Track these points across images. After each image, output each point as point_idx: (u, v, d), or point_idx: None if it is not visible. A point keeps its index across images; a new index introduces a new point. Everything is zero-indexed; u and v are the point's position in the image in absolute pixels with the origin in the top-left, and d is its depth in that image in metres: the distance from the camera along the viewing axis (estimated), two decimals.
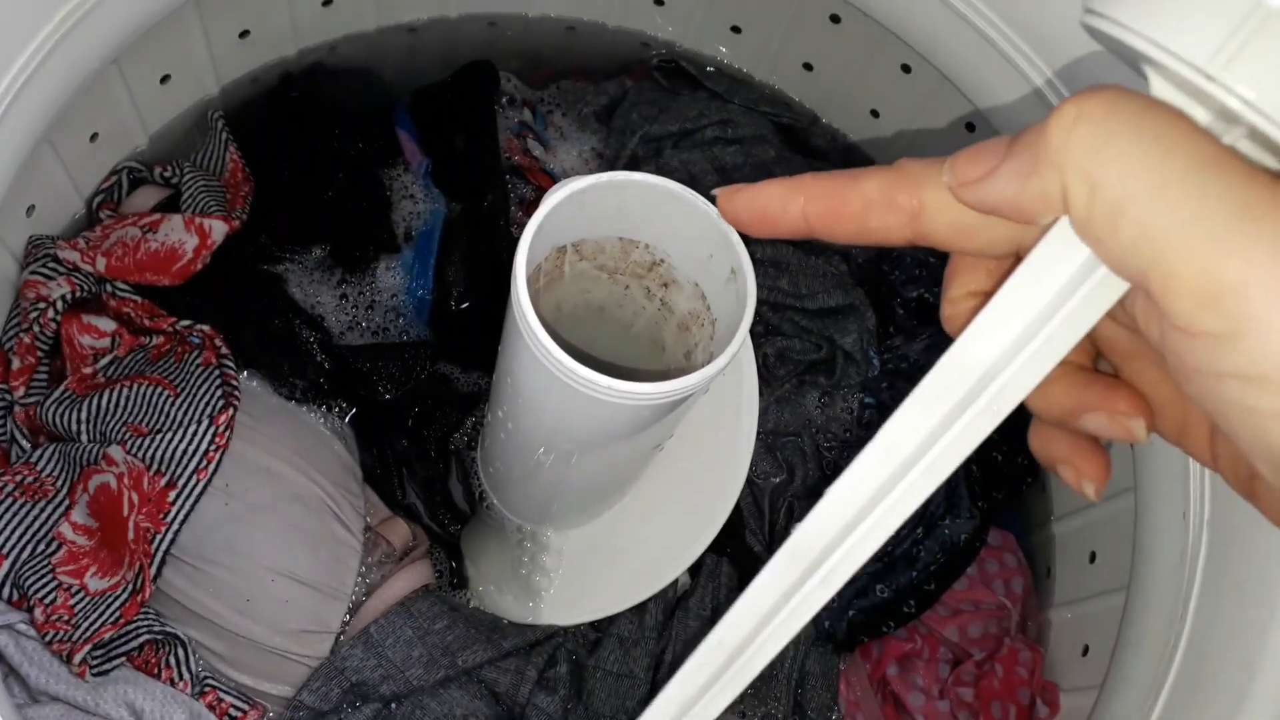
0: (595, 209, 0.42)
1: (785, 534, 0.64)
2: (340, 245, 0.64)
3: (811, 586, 0.28)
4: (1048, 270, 0.25)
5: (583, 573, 0.60)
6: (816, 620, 0.62)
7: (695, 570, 0.62)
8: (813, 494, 0.66)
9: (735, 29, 0.73)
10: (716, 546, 0.59)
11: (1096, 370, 0.29)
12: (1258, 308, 0.21)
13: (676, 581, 0.61)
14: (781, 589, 0.29)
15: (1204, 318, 0.21)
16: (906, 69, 0.67)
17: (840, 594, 0.62)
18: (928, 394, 0.26)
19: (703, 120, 0.70)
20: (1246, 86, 0.21)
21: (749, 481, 0.64)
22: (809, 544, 0.28)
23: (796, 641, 0.61)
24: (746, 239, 0.41)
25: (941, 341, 0.71)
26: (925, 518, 0.65)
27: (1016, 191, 0.24)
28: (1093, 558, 0.62)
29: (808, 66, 0.73)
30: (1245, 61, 0.21)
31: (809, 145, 0.74)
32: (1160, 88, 0.23)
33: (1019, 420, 0.70)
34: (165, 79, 0.63)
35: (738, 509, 0.62)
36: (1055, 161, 0.23)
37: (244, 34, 0.65)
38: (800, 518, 0.65)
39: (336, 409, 0.62)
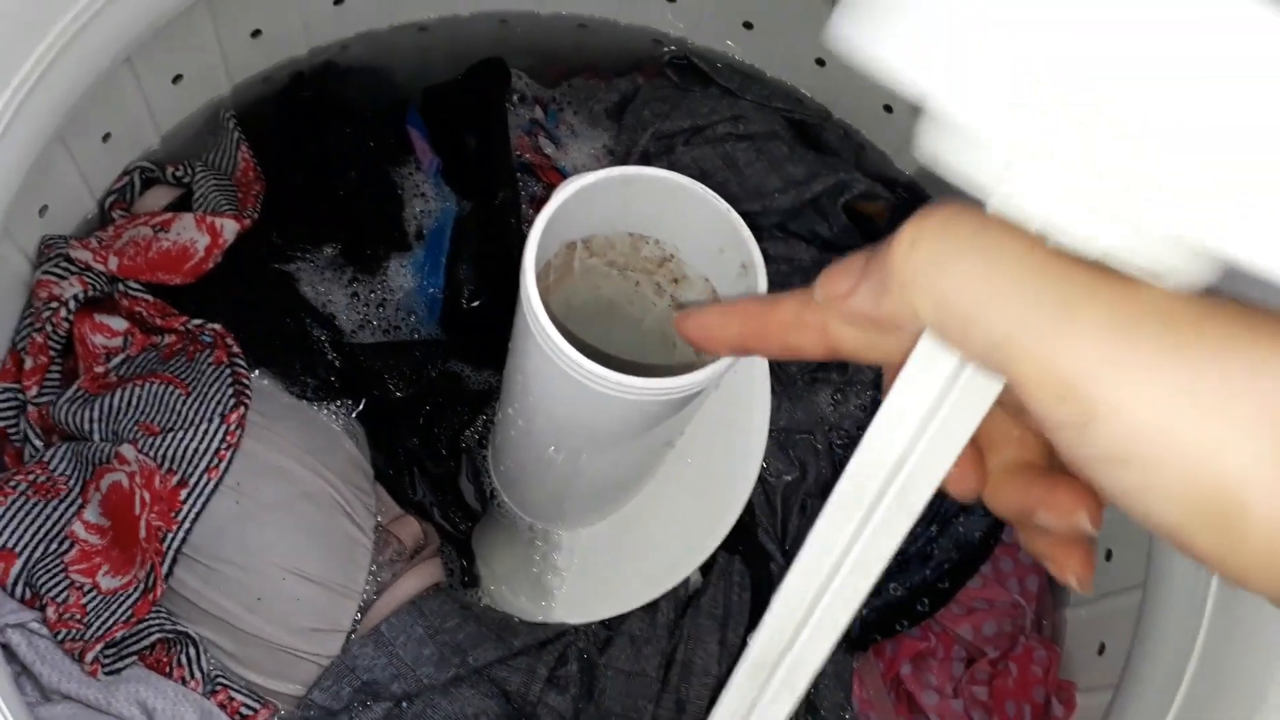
0: (604, 204, 0.42)
1: (799, 532, 0.64)
2: (351, 244, 0.64)
3: (771, 693, 0.30)
4: (927, 369, 0.26)
5: (594, 571, 0.60)
6: None
7: (707, 569, 0.61)
8: (825, 492, 0.66)
9: (747, 24, 0.72)
10: (728, 545, 0.58)
11: (1049, 466, 0.29)
12: (1099, 393, 0.22)
13: (688, 580, 0.60)
14: (744, 701, 0.30)
15: (1059, 411, 0.23)
16: None
17: None
18: (844, 496, 0.28)
19: (714, 117, 0.70)
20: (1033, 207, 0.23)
21: (761, 479, 0.64)
22: (764, 658, 0.30)
23: None
24: (759, 236, 0.41)
25: None
26: (939, 515, 0.64)
27: (874, 309, 0.26)
28: (1109, 555, 0.61)
29: (820, 62, 0.72)
30: (1026, 183, 0.23)
31: (821, 141, 0.74)
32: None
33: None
34: (177, 79, 0.63)
35: (750, 507, 0.62)
36: (901, 282, 0.25)
37: (256, 33, 0.65)
38: (813, 516, 0.65)
39: (347, 407, 0.62)
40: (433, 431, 0.63)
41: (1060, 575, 0.29)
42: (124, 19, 0.48)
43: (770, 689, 0.30)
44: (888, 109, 0.72)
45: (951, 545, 0.63)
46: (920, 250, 0.24)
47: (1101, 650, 0.59)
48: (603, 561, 0.61)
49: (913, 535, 0.64)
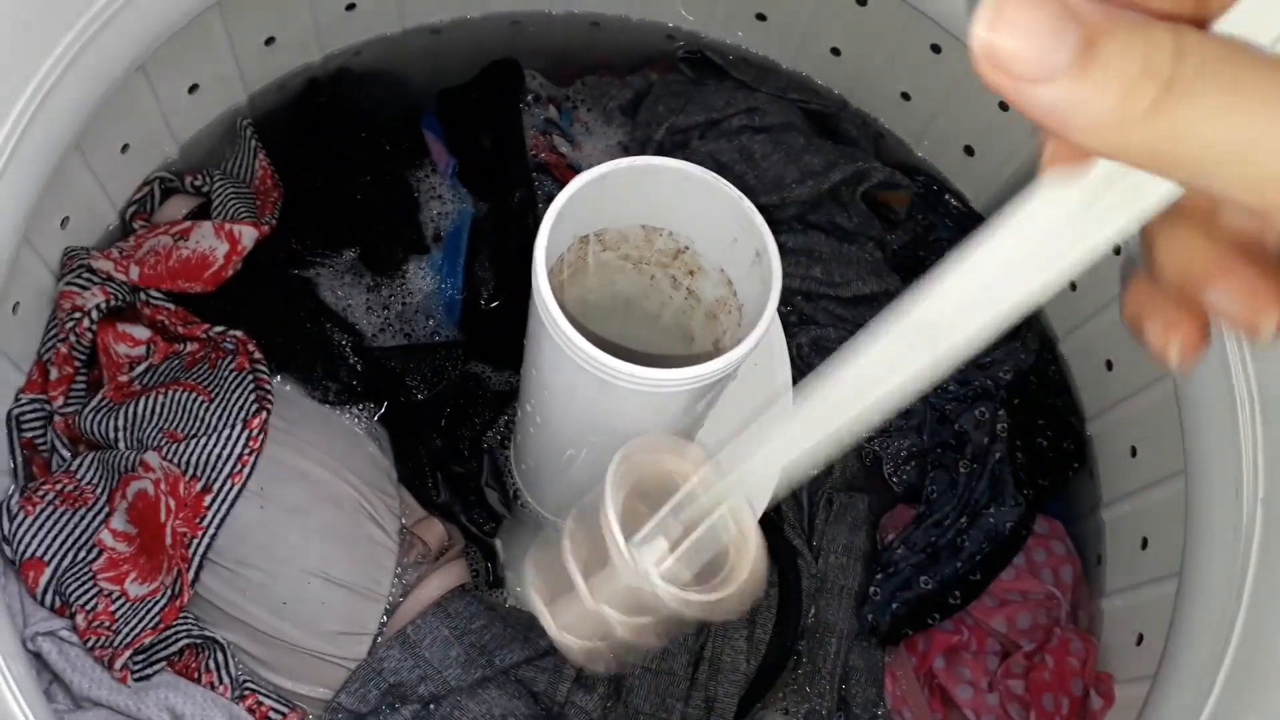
0: (616, 196, 0.41)
1: (824, 527, 0.63)
2: (370, 248, 0.64)
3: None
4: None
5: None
6: (859, 613, 0.61)
7: None
8: (851, 487, 0.65)
9: (760, 16, 0.72)
10: None
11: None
12: None
13: None
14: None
15: None
16: (936, 49, 0.66)
17: (883, 586, 0.62)
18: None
19: (729, 110, 0.69)
20: None
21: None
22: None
23: (839, 636, 0.60)
24: (777, 229, 0.41)
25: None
26: (969, 506, 0.63)
27: None
28: (1144, 543, 0.60)
29: (835, 51, 0.71)
30: None
31: (839, 131, 0.73)
32: None
33: (1061, 407, 0.68)
34: (193, 88, 0.64)
35: (776, 503, 0.61)
36: None
37: (269, 41, 0.65)
38: (840, 511, 0.64)
39: (369, 410, 0.62)
40: (455, 433, 0.63)
41: (1161, 341, 0.25)
42: (135, 27, 0.49)
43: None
44: (905, 96, 0.71)
45: (982, 537, 0.62)
46: None
47: (1140, 641, 0.58)
48: None
49: (942, 527, 0.63)
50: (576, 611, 0.35)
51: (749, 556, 0.34)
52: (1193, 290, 0.24)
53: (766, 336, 0.40)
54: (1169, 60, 0.18)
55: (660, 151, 0.68)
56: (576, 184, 0.39)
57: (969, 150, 0.70)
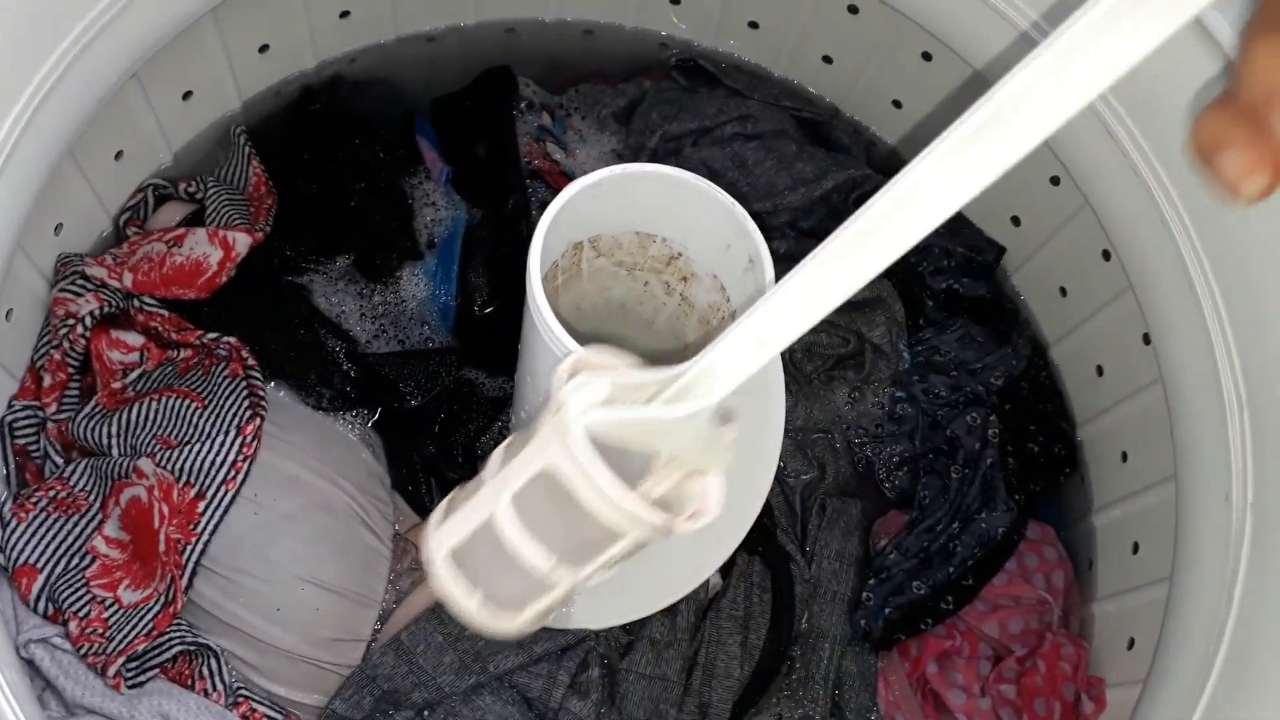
0: (610, 202, 0.42)
1: (817, 532, 0.63)
2: (364, 254, 0.64)
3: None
4: None
5: (613, 575, 0.60)
6: (852, 619, 0.61)
7: (727, 570, 0.61)
8: (844, 491, 0.65)
9: (753, 24, 0.72)
10: (748, 545, 0.58)
11: None
12: None
13: (708, 582, 0.60)
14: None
15: None
16: (927, 57, 0.66)
17: (875, 591, 0.62)
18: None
19: (721, 117, 0.70)
20: None
21: (779, 480, 0.63)
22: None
23: (833, 641, 0.60)
24: (770, 235, 0.41)
25: (973, 333, 0.69)
26: (960, 511, 0.63)
27: None
28: (1135, 548, 0.60)
29: (827, 59, 0.72)
30: None
31: (831, 138, 0.73)
32: None
33: (1052, 412, 0.68)
34: (187, 95, 0.64)
35: (768, 507, 0.61)
36: None
37: (263, 48, 0.65)
38: (833, 516, 0.64)
39: (363, 416, 0.62)
40: (449, 439, 0.63)
41: (1235, 171, 0.25)
42: (129, 34, 0.49)
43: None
44: (896, 104, 0.71)
45: (974, 542, 0.63)
46: None
47: (1131, 645, 0.58)
48: (622, 565, 0.60)
49: (934, 532, 0.63)
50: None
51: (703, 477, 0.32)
52: (1207, 160, 0.25)
53: None
54: None
55: (653, 159, 0.68)
56: (570, 191, 0.39)
57: None
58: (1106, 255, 0.61)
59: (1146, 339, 0.58)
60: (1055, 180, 0.63)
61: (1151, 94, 0.51)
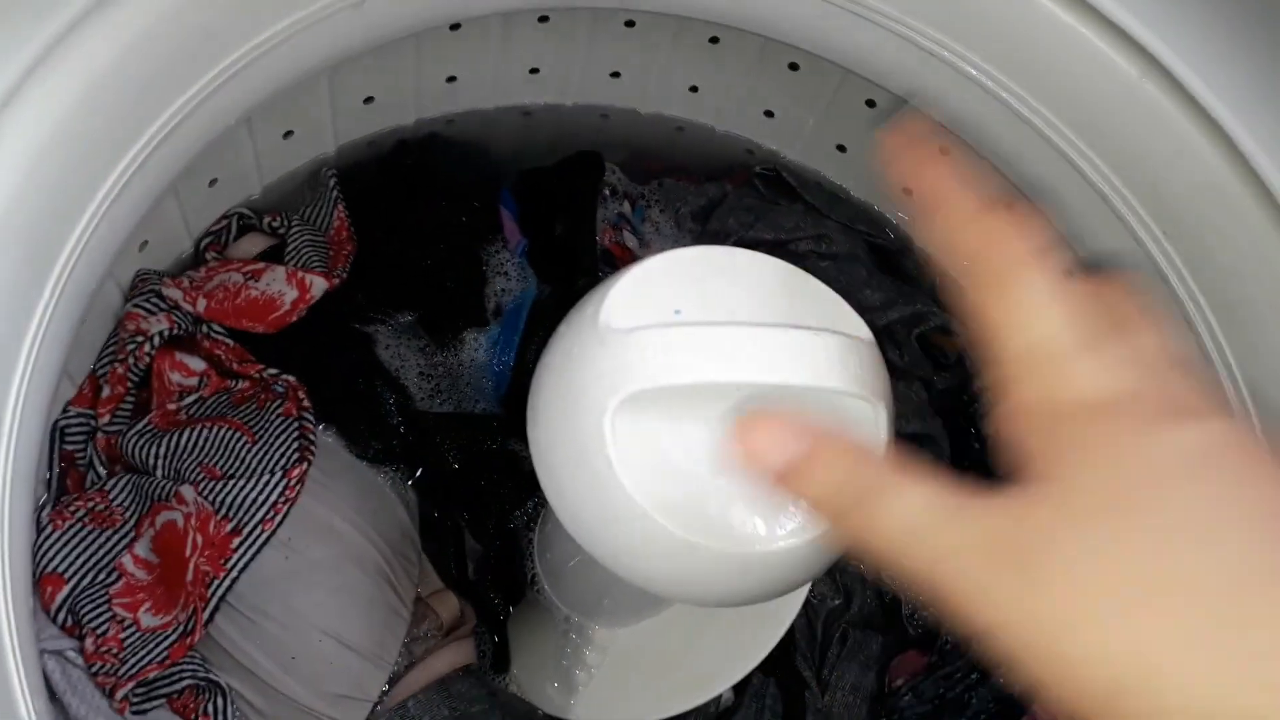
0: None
1: (837, 660, 0.62)
2: (431, 314, 0.65)
3: None
4: None
5: (625, 673, 0.59)
6: None
7: (740, 688, 0.60)
8: (868, 623, 0.65)
9: (840, 148, 0.74)
10: (765, 666, 0.57)
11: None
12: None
13: (720, 697, 0.59)
14: None
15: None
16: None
17: None
18: None
19: (798, 233, 0.71)
20: None
21: (805, 602, 0.63)
22: None
23: None
24: None
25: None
26: (981, 663, 0.63)
27: None
28: None
29: (908, 191, 0.73)
30: None
31: (901, 268, 0.74)
32: None
33: None
34: (288, 134, 0.65)
35: (790, 629, 0.61)
36: None
37: (368, 100, 0.67)
38: (854, 647, 0.63)
39: (403, 472, 0.63)
40: (483, 508, 0.63)
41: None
42: (249, 87, 0.50)
43: None
44: None
45: (991, 696, 0.62)
46: None
47: None
48: (635, 665, 0.60)
49: (952, 680, 0.62)
50: None
51: None
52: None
53: None
54: None
55: None
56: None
57: None
58: None
59: None
60: None
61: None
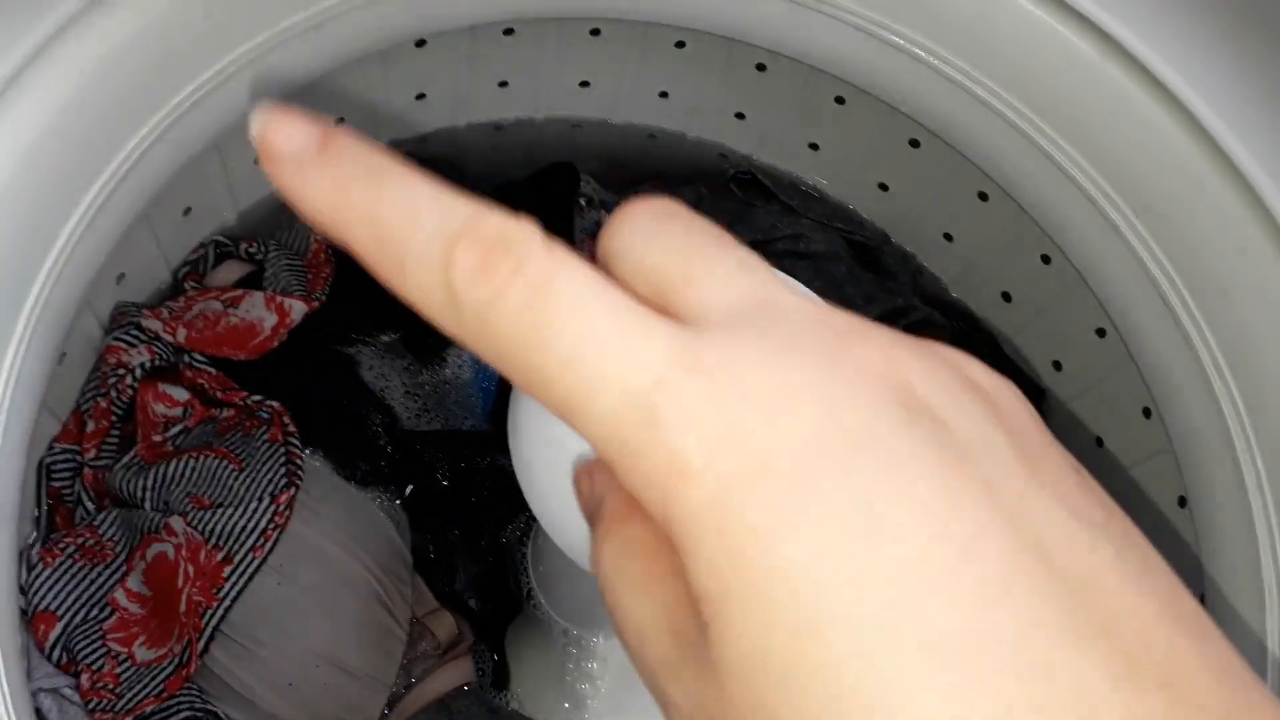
0: None
1: None
2: (413, 332, 0.65)
3: None
4: None
5: (630, 683, 0.59)
6: None
7: None
8: None
9: (813, 146, 0.74)
10: None
11: None
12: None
13: None
14: None
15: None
16: (984, 197, 0.68)
17: None
18: None
19: (775, 233, 0.71)
20: None
21: None
22: None
23: None
24: None
25: None
26: None
27: None
28: None
29: (883, 187, 0.73)
30: None
31: (879, 263, 0.74)
32: None
33: None
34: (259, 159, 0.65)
35: None
36: None
37: (339, 121, 0.67)
38: None
39: (392, 492, 0.63)
40: (475, 525, 0.63)
41: None
42: (217, 113, 0.50)
43: None
44: (947, 237, 0.72)
45: None
46: None
47: None
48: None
49: None
50: None
51: None
52: None
53: None
54: None
55: None
56: None
57: (1006, 296, 0.71)
58: (1147, 412, 0.61)
59: (1182, 501, 0.58)
60: (1101, 332, 0.63)
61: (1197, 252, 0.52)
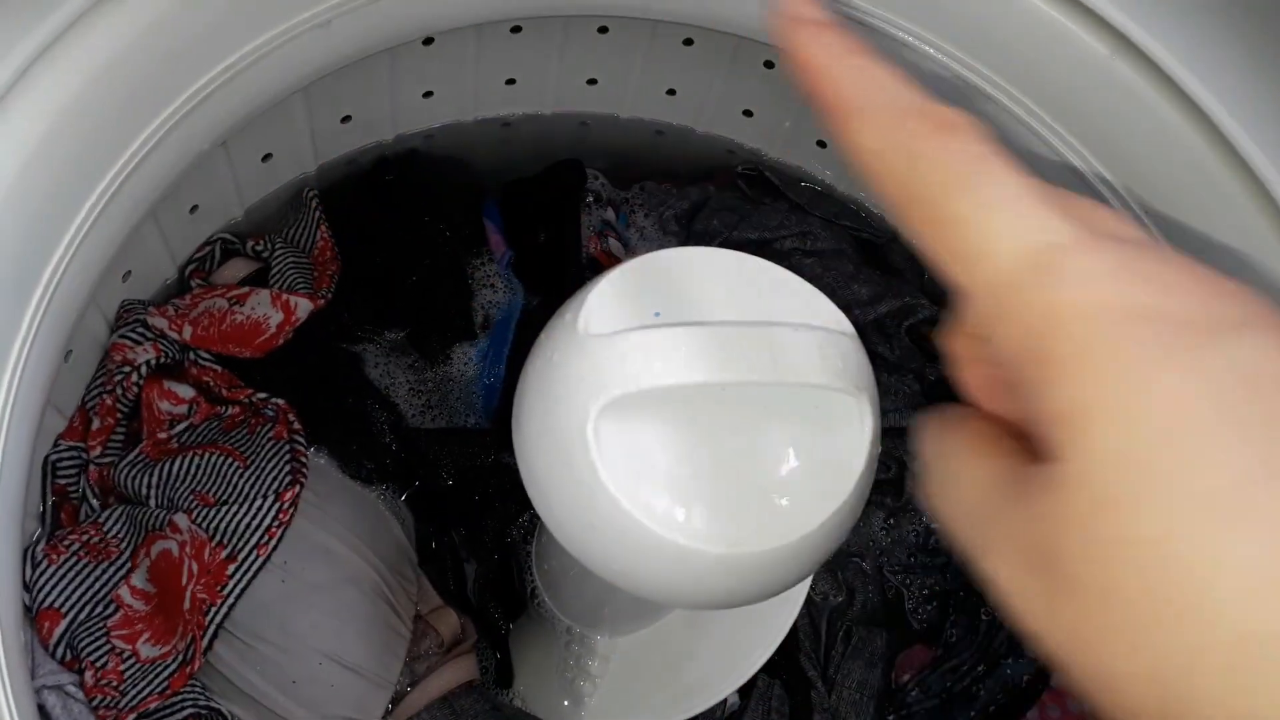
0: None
1: (841, 658, 0.62)
2: (419, 330, 0.65)
3: None
4: None
5: (630, 682, 0.59)
6: None
7: (746, 691, 0.60)
8: (871, 620, 0.64)
9: (820, 143, 0.73)
10: (770, 668, 0.57)
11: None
12: None
13: (725, 701, 0.59)
14: None
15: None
16: None
17: None
18: None
19: (782, 231, 0.71)
20: None
21: (808, 600, 0.63)
22: None
23: None
24: None
25: None
26: (987, 654, 0.62)
27: None
28: None
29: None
30: None
31: (887, 261, 0.74)
32: None
33: None
34: (267, 157, 0.65)
35: (793, 629, 0.60)
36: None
37: (346, 119, 0.67)
38: (858, 645, 0.63)
39: (395, 490, 0.63)
40: (480, 523, 0.63)
41: None
42: (224, 110, 0.50)
43: None
44: None
45: (998, 687, 0.61)
46: None
47: None
48: (639, 672, 0.59)
49: (959, 673, 0.62)
50: None
51: None
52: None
53: None
54: None
55: None
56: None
57: None
58: None
59: None
60: None
61: None
